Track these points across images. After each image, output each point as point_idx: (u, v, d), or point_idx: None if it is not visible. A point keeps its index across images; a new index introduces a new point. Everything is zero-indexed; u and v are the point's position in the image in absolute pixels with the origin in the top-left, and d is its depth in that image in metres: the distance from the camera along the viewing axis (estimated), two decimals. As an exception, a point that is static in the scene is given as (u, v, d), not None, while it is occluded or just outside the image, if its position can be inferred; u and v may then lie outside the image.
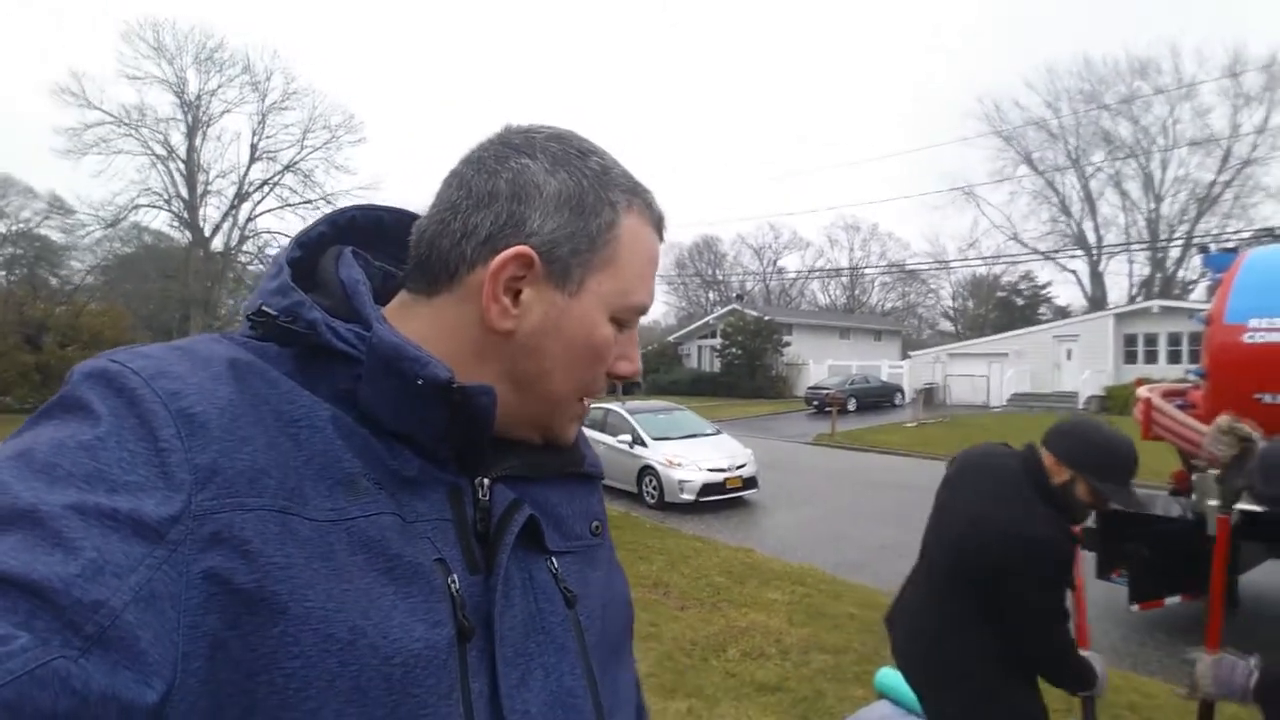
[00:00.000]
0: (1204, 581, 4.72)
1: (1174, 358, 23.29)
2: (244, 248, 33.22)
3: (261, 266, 32.61)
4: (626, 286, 0.65)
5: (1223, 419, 1.89)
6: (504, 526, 0.61)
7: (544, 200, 0.61)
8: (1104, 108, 41.37)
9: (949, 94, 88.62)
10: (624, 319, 0.66)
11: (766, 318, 33.55)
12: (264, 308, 0.58)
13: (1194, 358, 5.35)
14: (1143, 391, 5.28)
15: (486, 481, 0.62)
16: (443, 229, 0.62)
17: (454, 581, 0.56)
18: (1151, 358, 24.43)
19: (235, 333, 0.61)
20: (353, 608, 0.49)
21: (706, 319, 38.61)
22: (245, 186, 32.75)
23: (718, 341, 33.54)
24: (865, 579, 6.18)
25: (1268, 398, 4.52)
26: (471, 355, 0.63)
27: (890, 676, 2.27)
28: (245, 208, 33.06)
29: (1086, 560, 2.05)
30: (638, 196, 0.66)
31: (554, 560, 0.65)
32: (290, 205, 33.16)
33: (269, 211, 33.65)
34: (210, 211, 33.15)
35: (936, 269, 49.83)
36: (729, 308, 36.95)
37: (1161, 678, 4.36)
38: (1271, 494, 1.56)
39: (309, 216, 36.34)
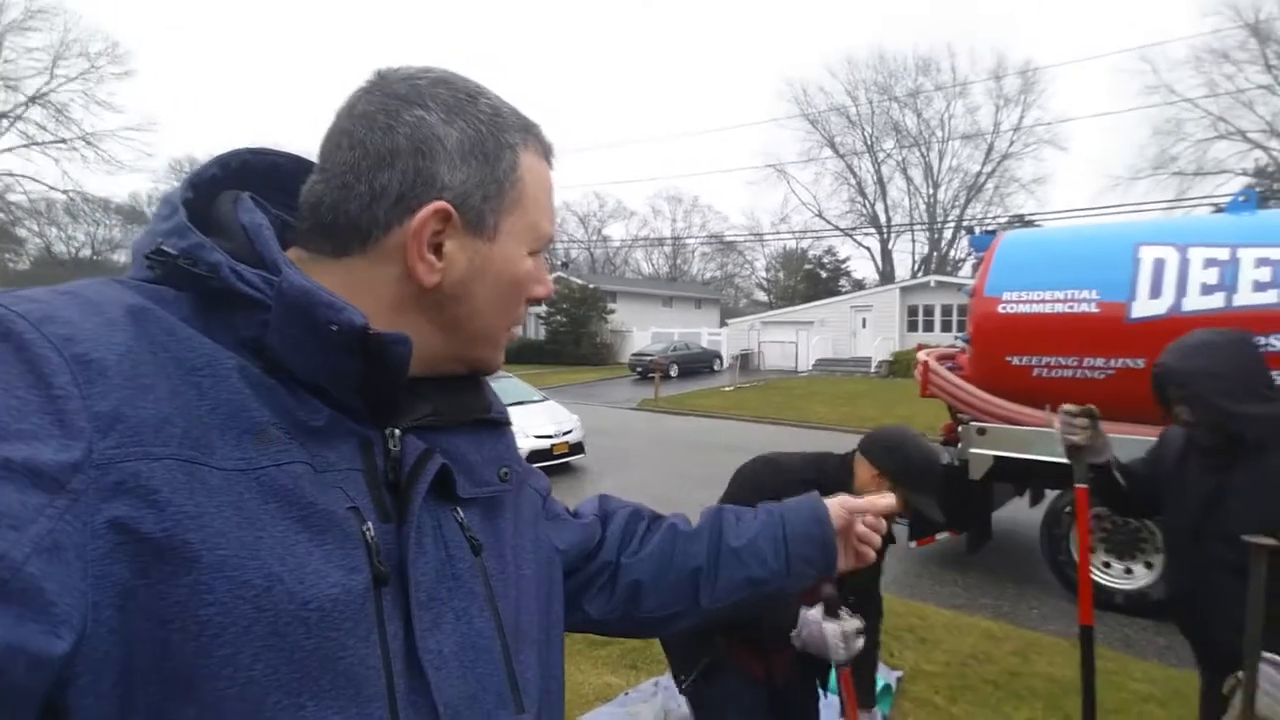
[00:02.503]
0: (966, 518, 5.56)
1: (947, 326, 26.53)
2: (-20, 193, 27.63)
3: (2, 215, 27.36)
4: (535, 220, 0.68)
5: (1065, 407, 1.94)
6: (416, 476, 0.61)
7: (448, 153, 0.61)
8: (894, 99, 45.61)
9: (765, 77, 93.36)
10: (536, 250, 0.69)
11: (591, 285, 33.91)
12: (164, 247, 0.55)
13: (962, 326, 6.16)
14: (921, 356, 6.00)
15: (398, 432, 0.62)
16: (346, 193, 0.60)
17: (369, 529, 0.56)
18: (929, 326, 27.68)
19: (124, 276, 0.58)
20: (268, 555, 0.49)
21: (533, 286, 38.18)
22: (-22, 118, 27.20)
23: (543, 309, 33.38)
24: (687, 535, 6.52)
25: (1016, 360, 5.30)
26: (389, 309, 0.62)
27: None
28: (-20, 144, 27.46)
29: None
30: (529, 133, 0.68)
31: (460, 510, 0.66)
32: (39, 144, 27.76)
33: (10, 150, 28.13)
34: (-68, 147, 27.27)
35: (752, 241, 52.94)
36: (554, 275, 36.49)
37: (934, 603, 5.05)
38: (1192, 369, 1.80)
39: (63, 158, 30.98)
